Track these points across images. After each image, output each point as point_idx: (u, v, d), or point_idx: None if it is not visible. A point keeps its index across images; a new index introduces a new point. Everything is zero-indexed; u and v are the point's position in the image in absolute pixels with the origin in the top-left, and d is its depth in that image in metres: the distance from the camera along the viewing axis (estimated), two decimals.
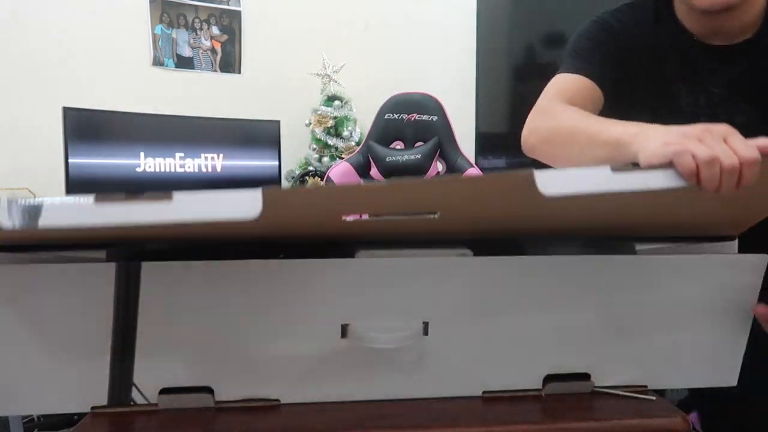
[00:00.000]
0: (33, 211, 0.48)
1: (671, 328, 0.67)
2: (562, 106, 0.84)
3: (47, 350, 0.59)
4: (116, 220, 0.49)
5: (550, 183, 0.52)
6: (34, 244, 0.58)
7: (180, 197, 0.49)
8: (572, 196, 0.53)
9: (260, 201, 0.50)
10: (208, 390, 0.62)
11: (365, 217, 0.58)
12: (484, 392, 0.66)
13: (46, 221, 0.48)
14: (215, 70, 2.76)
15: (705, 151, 0.53)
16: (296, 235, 0.59)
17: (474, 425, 0.59)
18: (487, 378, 0.66)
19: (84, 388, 0.60)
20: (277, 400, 0.63)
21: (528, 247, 0.74)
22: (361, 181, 1.16)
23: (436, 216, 0.56)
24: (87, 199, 0.49)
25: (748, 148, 0.54)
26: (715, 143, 0.54)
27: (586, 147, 0.71)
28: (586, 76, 0.89)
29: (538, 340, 0.66)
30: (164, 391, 0.62)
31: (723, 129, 0.56)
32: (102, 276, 0.58)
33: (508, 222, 0.60)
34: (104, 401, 0.61)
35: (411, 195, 0.55)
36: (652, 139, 0.59)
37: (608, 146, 0.67)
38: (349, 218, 0.56)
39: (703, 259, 0.66)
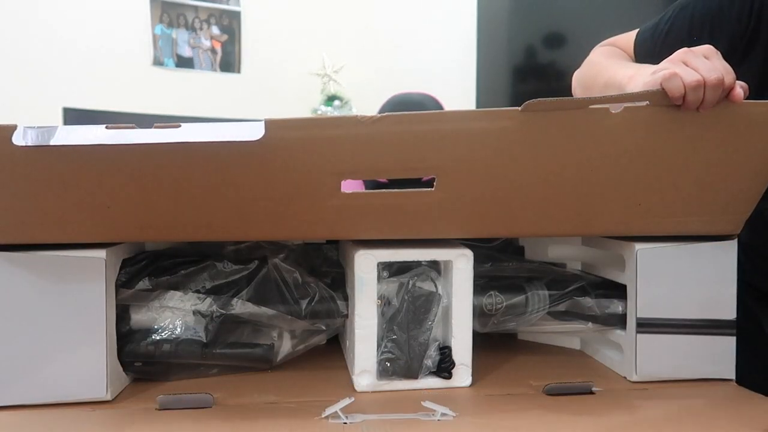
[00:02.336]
0: (46, 133, 0.50)
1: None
2: (599, 53, 0.86)
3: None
4: (126, 140, 0.50)
5: None
6: (34, 243, 0.58)
7: (188, 126, 0.51)
8: None
9: (263, 128, 0.51)
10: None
11: (362, 188, 0.57)
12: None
13: (58, 141, 0.49)
14: (215, 70, 2.76)
15: (692, 76, 0.55)
16: (297, 192, 0.57)
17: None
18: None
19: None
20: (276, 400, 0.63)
21: (527, 247, 0.74)
22: (362, 182, 1.16)
23: (432, 189, 0.56)
24: (98, 127, 0.51)
25: (728, 72, 0.56)
26: (698, 62, 0.57)
27: (603, 89, 0.76)
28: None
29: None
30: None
31: (705, 49, 0.59)
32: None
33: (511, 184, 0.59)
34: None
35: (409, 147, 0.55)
36: (643, 74, 0.62)
37: (615, 89, 0.71)
38: (348, 190, 0.56)
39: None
